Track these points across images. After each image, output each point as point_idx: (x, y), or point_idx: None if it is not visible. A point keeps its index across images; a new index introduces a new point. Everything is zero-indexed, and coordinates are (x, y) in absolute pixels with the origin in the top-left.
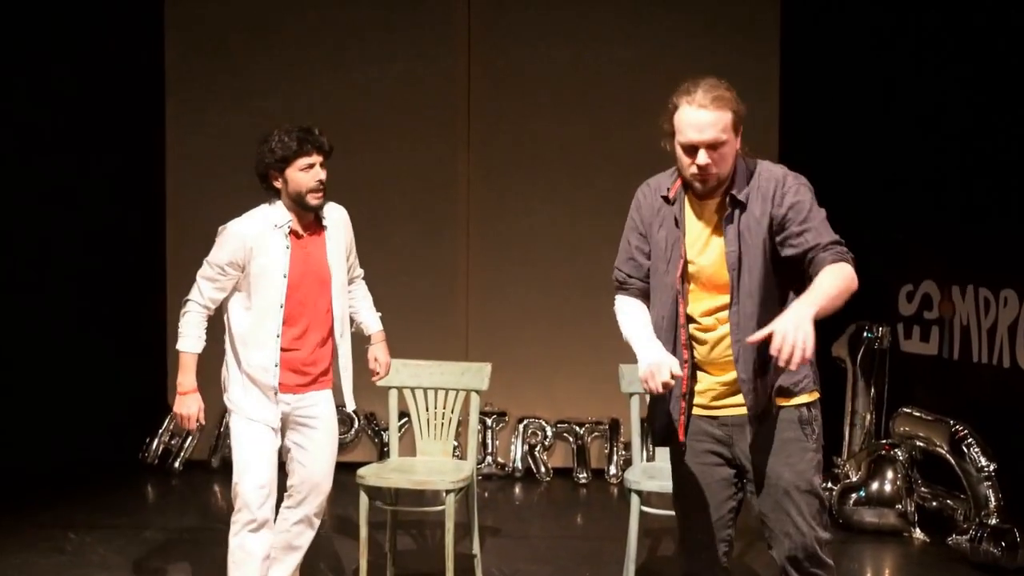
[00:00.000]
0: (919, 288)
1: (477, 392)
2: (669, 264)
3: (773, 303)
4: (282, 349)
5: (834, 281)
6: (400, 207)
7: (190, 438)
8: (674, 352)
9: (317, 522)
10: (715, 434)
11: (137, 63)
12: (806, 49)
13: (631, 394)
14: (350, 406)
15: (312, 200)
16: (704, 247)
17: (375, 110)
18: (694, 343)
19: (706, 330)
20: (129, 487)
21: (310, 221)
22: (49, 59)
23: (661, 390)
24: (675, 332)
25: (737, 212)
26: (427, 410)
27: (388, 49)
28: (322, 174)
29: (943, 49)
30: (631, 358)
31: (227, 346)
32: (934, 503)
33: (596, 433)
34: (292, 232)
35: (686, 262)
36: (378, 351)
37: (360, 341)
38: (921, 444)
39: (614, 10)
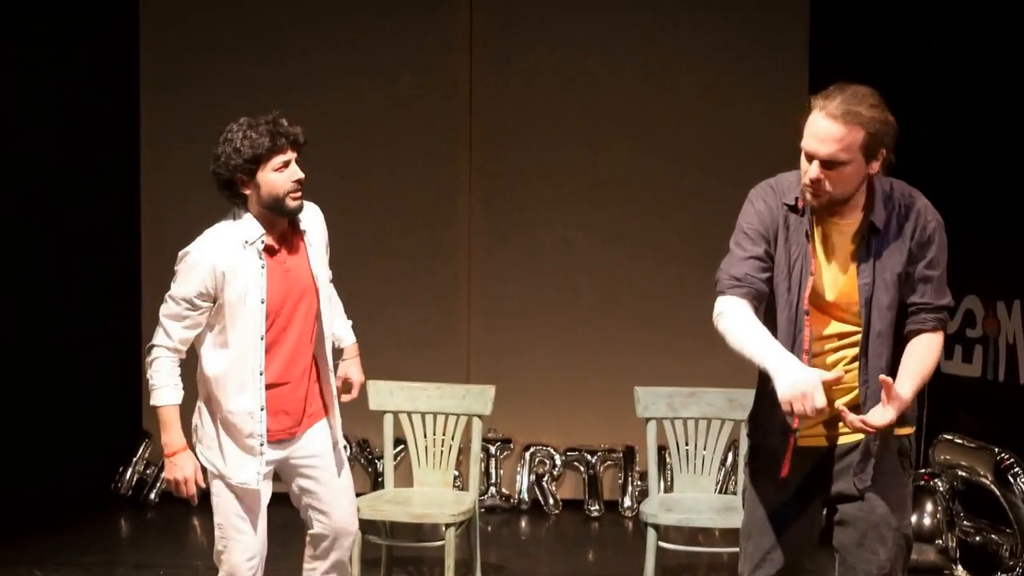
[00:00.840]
0: (961, 304)
1: (479, 417)
2: (792, 281)
3: (895, 341)
4: (270, 386)
5: (931, 363)
6: (398, 221)
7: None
8: None
9: (350, 567)
10: (813, 464)
11: (111, 65)
12: (835, 64)
13: (648, 419)
14: (338, 439)
15: (291, 203)
16: (831, 270)
17: (372, 122)
18: (824, 364)
19: (819, 355)
20: (101, 520)
21: (284, 229)
22: (12, 61)
23: (813, 415)
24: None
25: (874, 240)
26: (425, 436)
27: (387, 61)
28: (299, 172)
29: (986, 53)
30: (647, 379)
31: (200, 392)
32: (977, 538)
33: (609, 462)
34: (266, 247)
35: (813, 282)
36: (351, 369)
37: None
38: (963, 474)
39: (623, 24)
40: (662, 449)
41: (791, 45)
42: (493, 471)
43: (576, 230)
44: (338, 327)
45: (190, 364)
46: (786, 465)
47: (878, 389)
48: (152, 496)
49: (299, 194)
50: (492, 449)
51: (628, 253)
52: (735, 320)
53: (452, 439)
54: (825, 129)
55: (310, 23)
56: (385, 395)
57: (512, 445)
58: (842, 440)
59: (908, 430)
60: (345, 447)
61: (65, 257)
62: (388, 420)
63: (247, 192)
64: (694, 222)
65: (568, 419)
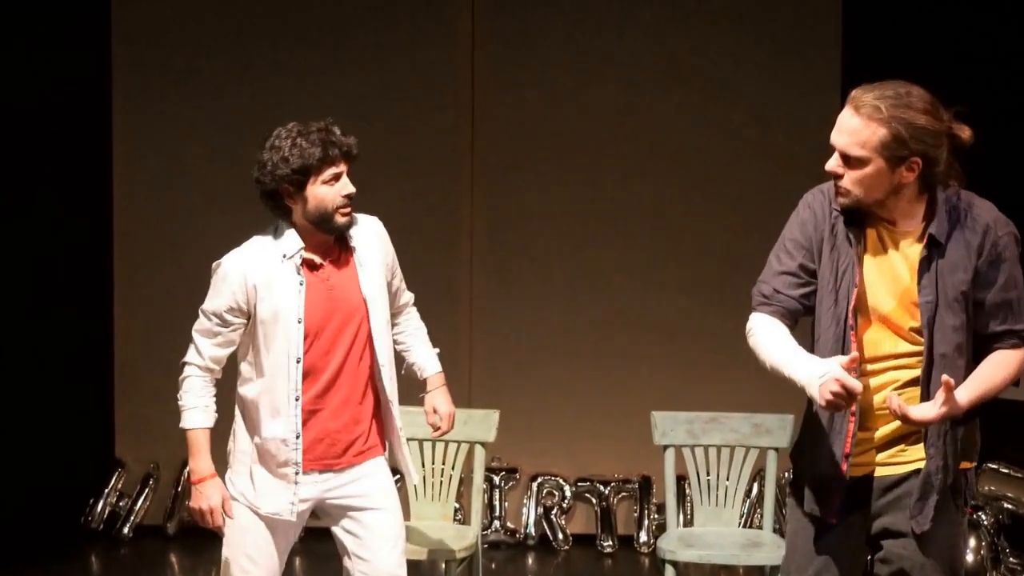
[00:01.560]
0: None
1: (482, 444)
2: (839, 293)
3: (964, 361)
4: (304, 412)
5: (1000, 378)
6: (393, 230)
7: (141, 499)
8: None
9: None
10: (859, 494)
11: (81, 64)
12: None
13: (666, 447)
14: (413, 477)
15: (341, 219)
16: (885, 283)
17: (370, 136)
18: (868, 387)
19: (868, 375)
20: (70, 557)
21: (331, 245)
22: None
23: (853, 396)
24: None
25: (935, 255)
26: (423, 466)
27: (385, 63)
28: (350, 186)
29: None
30: (664, 404)
31: (236, 414)
32: None
33: (624, 493)
34: (305, 263)
35: (860, 293)
36: (438, 400)
37: (411, 388)
38: (1010, 506)
39: (635, 45)
40: (681, 479)
41: (823, 61)
42: (497, 503)
43: (587, 244)
44: (420, 355)
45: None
46: (838, 496)
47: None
48: (126, 531)
49: (349, 210)
50: (496, 479)
51: (643, 267)
52: (761, 336)
53: (452, 469)
54: (844, 120)
55: (301, 46)
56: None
57: (518, 475)
58: (891, 470)
59: (969, 464)
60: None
61: (31, 273)
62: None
63: (293, 205)
64: (713, 237)
65: (579, 447)
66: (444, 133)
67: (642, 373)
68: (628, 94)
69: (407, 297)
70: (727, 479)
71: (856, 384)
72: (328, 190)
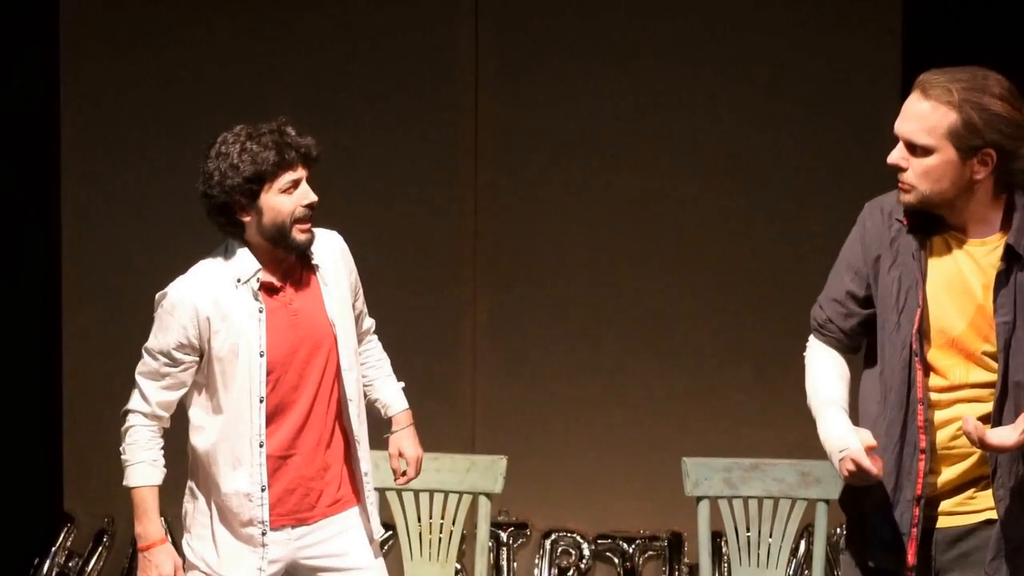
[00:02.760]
0: None
1: (487, 496)
2: (902, 315)
3: None
4: (269, 459)
5: None
6: (390, 258)
7: (94, 559)
8: (903, 439)
9: None
10: (926, 551)
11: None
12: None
13: (699, 498)
14: (375, 531)
15: (299, 236)
16: (955, 301)
17: (367, 154)
18: (936, 420)
19: (938, 407)
20: None
21: (291, 264)
22: None
23: (876, 474)
24: (906, 410)
25: (1016, 269)
26: (420, 520)
27: (385, 87)
28: (312, 194)
29: None
30: (697, 450)
31: (190, 468)
32: None
33: (651, 552)
34: (264, 286)
35: (924, 312)
36: (405, 441)
37: (377, 427)
38: None
39: (650, 75)
40: (717, 536)
41: (881, 65)
42: (505, 564)
43: (604, 269)
44: (384, 390)
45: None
46: (911, 547)
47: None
48: None
49: (309, 224)
50: (503, 536)
51: (670, 295)
52: (811, 372)
53: (453, 523)
54: (911, 104)
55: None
56: (373, 468)
57: (528, 531)
58: (958, 520)
59: None
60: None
61: None
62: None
63: (246, 219)
64: (753, 256)
65: (599, 498)
66: (444, 154)
67: (671, 414)
68: (651, 109)
69: (368, 323)
70: (770, 535)
71: (871, 467)
72: (286, 200)
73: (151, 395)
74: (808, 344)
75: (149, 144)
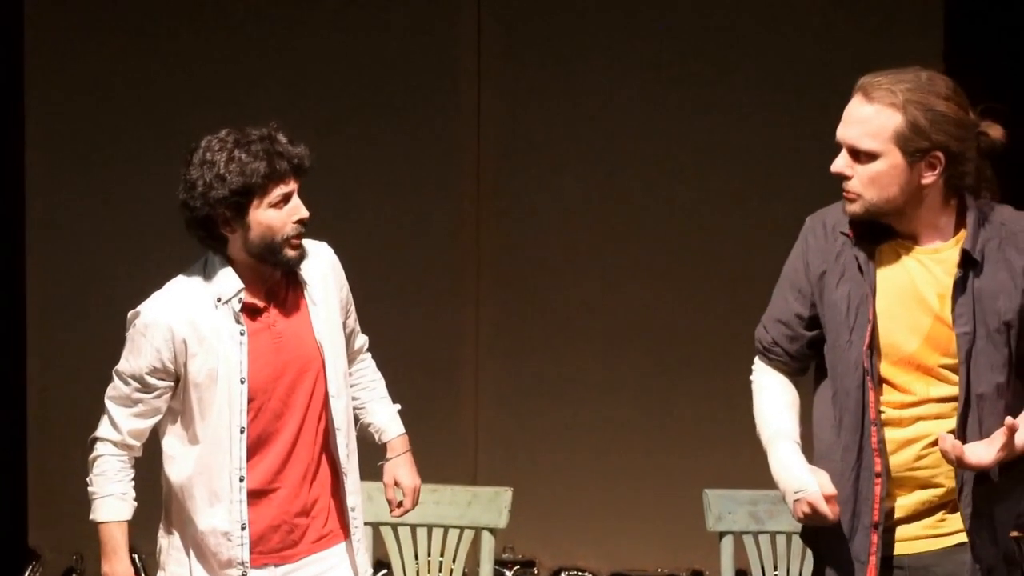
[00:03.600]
0: None
1: (491, 531)
2: (853, 332)
3: (1004, 403)
4: (251, 494)
5: None
6: (385, 273)
7: None
8: (859, 463)
9: None
10: None
11: None
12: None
13: (722, 533)
14: (363, 570)
15: (290, 252)
16: (909, 313)
17: (361, 154)
18: (891, 441)
19: (893, 425)
20: None
21: (276, 281)
22: None
23: (832, 519)
24: (862, 432)
25: (972, 277)
26: (417, 558)
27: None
28: (303, 209)
29: None
30: (719, 480)
31: (163, 502)
32: None
33: None
34: (246, 307)
35: (875, 328)
36: (401, 469)
37: (371, 454)
38: None
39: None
40: (742, 574)
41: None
42: None
43: (616, 290)
44: (379, 414)
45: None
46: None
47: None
48: None
49: (300, 241)
50: (509, 574)
51: (692, 311)
52: (758, 400)
53: (454, 561)
54: (852, 109)
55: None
56: (365, 501)
57: (536, 569)
58: (926, 546)
59: (1018, 532)
60: None
61: None
62: (367, 534)
63: (230, 234)
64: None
65: (612, 533)
66: (444, 159)
67: (692, 441)
68: (667, 110)
69: (361, 341)
70: (799, 574)
71: (827, 511)
72: (276, 215)
73: (121, 422)
74: (754, 367)
75: (122, 148)
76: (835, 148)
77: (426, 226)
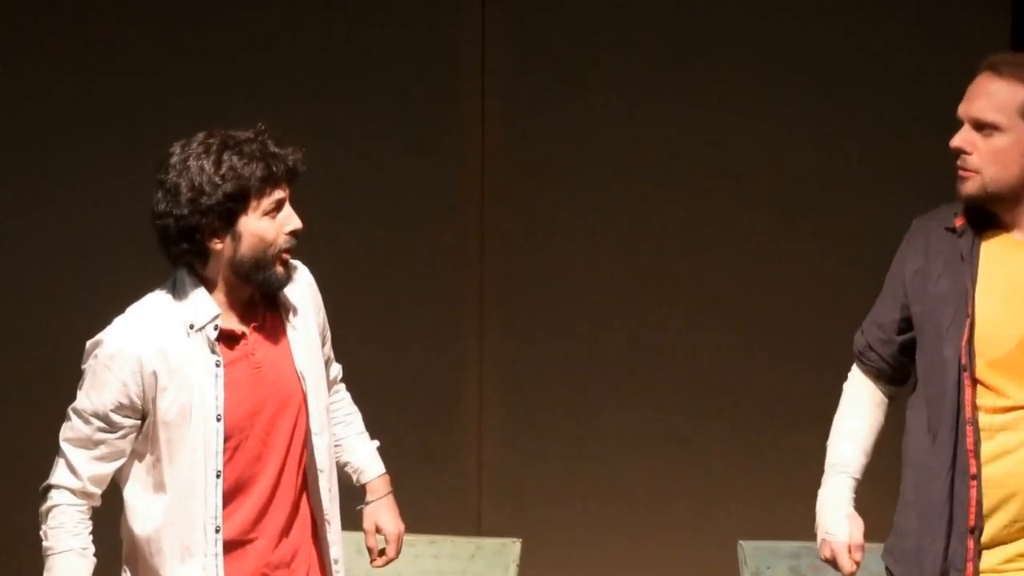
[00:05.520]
0: None
1: None
2: (950, 328)
3: None
4: (227, 545)
5: None
6: (379, 302)
7: None
8: (954, 464)
9: None
10: None
11: None
12: None
13: None
14: None
15: (280, 270)
16: (1012, 309)
17: (352, 166)
18: (983, 452)
19: (993, 432)
20: None
21: (255, 304)
22: None
23: (847, 572)
24: (956, 433)
25: None
26: None
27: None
28: (297, 219)
29: None
30: (755, 530)
31: (124, 555)
32: None
33: None
34: (223, 335)
35: (973, 324)
36: (382, 513)
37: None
38: None
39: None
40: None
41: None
42: None
43: (637, 315)
44: (357, 451)
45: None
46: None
47: None
48: None
49: (289, 256)
50: None
51: (721, 346)
52: (839, 410)
53: None
54: (979, 84)
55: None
56: (353, 553)
57: None
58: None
59: None
60: None
61: None
62: None
63: (217, 246)
64: (817, 301)
65: None
66: (444, 175)
67: (723, 487)
68: (690, 119)
69: (336, 370)
70: None
71: (846, 563)
72: (270, 225)
73: (81, 467)
74: (849, 374)
75: (80, 153)
76: (880, 151)
77: (424, 246)
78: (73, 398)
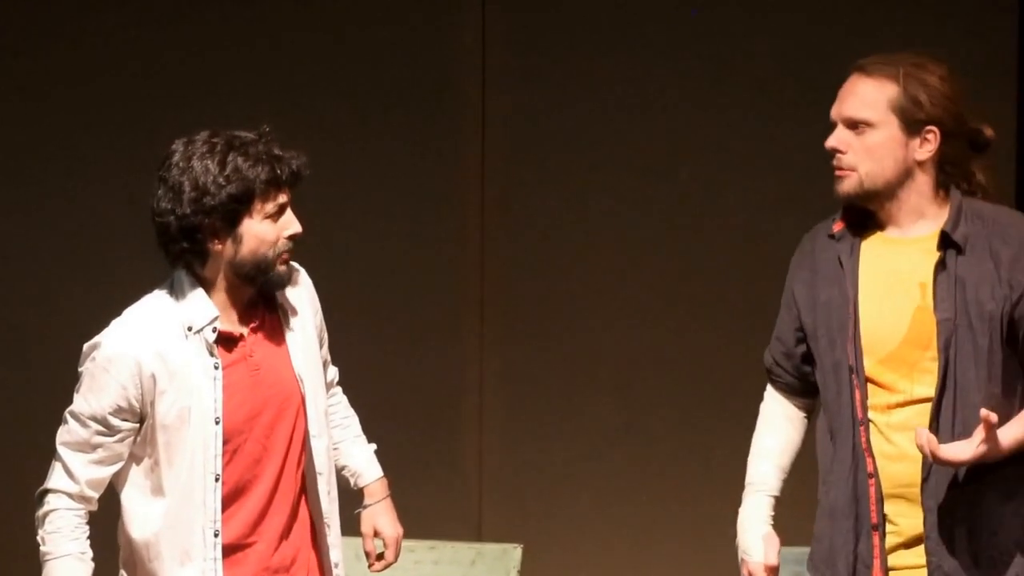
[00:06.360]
0: None
1: None
2: (837, 333)
3: (1000, 403)
4: (226, 549)
5: None
6: (378, 304)
7: None
8: (855, 464)
9: None
10: None
11: None
12: None
13: None
14: None
15: (283, 269)
16: (893, 306)
17: (348, 166)
18: (878, 455)
19: (886, 429)
20: None
21: (254, 306)
22: None
23: None
24: (853, 434)
25: (953, 259)
26: None
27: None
28: (297, 223)
29: None
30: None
31: (122, 560)
32: None
33: None
34: (221, 336)
35: (857, 325)
36: (380, 517)
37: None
38: None
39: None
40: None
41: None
42: None
43: (641, 315)
44: (355, 455)
45: (107, 517)
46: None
47: (947, 472)
48: None
49: (289, 258)
50: None
51: (726, 345)
52: (755, 433)
53: None
54: (849, 85)
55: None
56: (352, 558)
57: None
58: None
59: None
60: None
61: None
62: None
63: (217, 247)
64: None
65: None
66: (444, 173)
67: (728, 491)
68: (697, 117)
69: (332, 373)
70: None
71: None
72: (271, 228)
73: (79, 471)
74: (765, 393)
75: (78, 153)
76: None
77: (423, 247)
78: (70, 401)
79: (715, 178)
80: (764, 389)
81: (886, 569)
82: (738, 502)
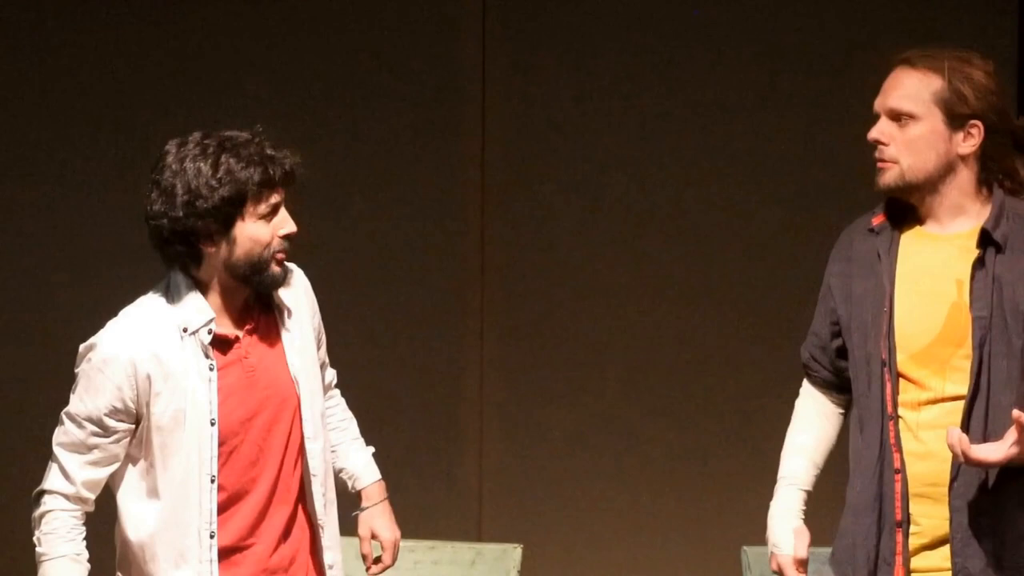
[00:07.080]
0: None
1: None
2: (871, 325)
3: (1016, 397)
4: (223, 551)
5: None
6: (375, 299)
7: None
8: (881, 459)
9: None
10: None
11: None
12: None
13: None
14: None
15: (277, 269)
16: (928, 302)
17: (345, 161)
18: (905, 452)
19: (917, 426)
20: None
21: (250, 306)
22: None
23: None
24: (881, 429)
25: (991, 258)
26: None
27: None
28: (292, 223)
29: None
30: (759, 536)
31: (118, 562)
32: None
33: None
34: (217, 339)
35: (892, 319)
36: (377, 520)
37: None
38: None
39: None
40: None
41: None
42: None
43: (646, 309)
44: (352, 457)
45: (105, 517)
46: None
47: (977, 475)
48: None
49: (284, 257)
50: None
51: (730, 340)
52: (790, 426)
53: None
54: (894, 77)
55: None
56: (353, 560)
57: None
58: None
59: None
60: None
61: None
62: None
63: (211, 250)
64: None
65: None
66: (444, 167)
67: (729, 491)
68: (691, 115)
69: (330, 375)
70: None
71: None
72: (265, 229)
73: (75, 472)
74: (801, 388)
75: (75, 153)
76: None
77: (423, 247)
78: (66, 402)
79: (715, 177)
80: (765, 388)
81: (908, 568)
82: (739, 502)
